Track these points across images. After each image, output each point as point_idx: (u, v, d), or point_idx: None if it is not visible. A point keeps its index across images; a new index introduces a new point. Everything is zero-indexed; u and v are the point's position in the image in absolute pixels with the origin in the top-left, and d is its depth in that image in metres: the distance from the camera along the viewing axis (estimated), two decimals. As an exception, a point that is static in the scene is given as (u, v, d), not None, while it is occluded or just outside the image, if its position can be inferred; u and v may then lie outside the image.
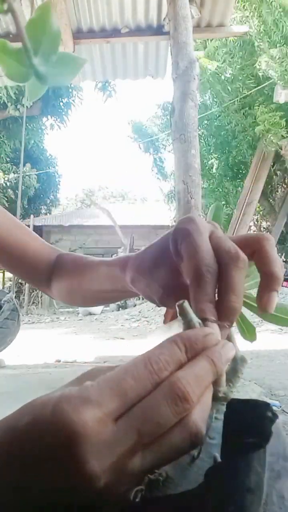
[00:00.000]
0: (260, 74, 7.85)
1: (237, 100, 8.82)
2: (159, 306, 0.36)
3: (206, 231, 0.35)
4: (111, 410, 0.24)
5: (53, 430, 0.23)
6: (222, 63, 8.30)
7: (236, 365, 0.31)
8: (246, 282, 0.41)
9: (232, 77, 8.59)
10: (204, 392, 0.27)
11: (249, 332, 0.45)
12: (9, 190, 15.41)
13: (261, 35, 7.32)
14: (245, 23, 7.24)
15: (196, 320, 0.31)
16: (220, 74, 8.52)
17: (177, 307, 0.32)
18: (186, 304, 0.32)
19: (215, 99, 9.65)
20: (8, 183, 15.36)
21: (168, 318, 0.42)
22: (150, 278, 0.41)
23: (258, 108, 8.29)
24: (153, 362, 0.26)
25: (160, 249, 0.40)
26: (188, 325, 0.31)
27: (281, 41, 7.23)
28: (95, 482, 0.23)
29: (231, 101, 8.95)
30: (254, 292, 0.36)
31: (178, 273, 0.37)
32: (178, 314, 0.32)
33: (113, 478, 0.24)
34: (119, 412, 0.25)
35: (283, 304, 0.41)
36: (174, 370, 0.27)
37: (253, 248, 0.35)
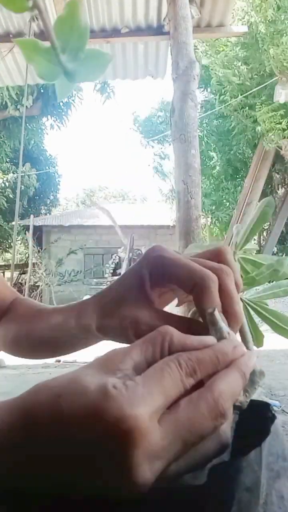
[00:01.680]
0: (267, 70, 7.83)
1: (239, 99, 8.81)
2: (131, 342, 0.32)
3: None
4: (159, 408, 0.24)
5: (107, 423, 0.22)
6: (226, 57, 8.29)
7: (254, 377, 0.31)
8: (257, 293, 0.41)
9: (238, 73, 8.57)
10: None
11: (257, 339, 0.45)
12: (8, 190, 15.39)
13: (265, 28, 7.30)
14: (247, 19, 7.24)
15: (226, 329, 0.32)
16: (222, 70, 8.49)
17: (207, 315, 0.32)
18: (216, 312, 0.32)
19: (220, 93, 9.59)
20: (7, 183, 15.35)
21: (182, 302, 0.40)
22: (120, 316, 0.38)
23: (260, 107, 8.29)
24: (183, 366, 0.26)
25: (127, 285, 0.39)
26: (217, 332, 0.31)
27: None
28: (143, 488, 0.23)
29: (233, 100, 8.95)
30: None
31: (150, 303, 0.37)
32: (207, 322, 0.32)
33: (152, 483, 0.23)
34: (163, 410, 0.24)
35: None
36: (203, 376, 0.27)
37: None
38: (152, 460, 0.23)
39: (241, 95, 8.70)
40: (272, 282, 0.41)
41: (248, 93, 8.52)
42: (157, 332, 0.29)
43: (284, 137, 8.21)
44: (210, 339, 0.30)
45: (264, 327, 0.46)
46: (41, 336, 0.48)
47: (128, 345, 0.29)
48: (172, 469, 0.25)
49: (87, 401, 0.23)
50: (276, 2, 7.20)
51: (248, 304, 0.42)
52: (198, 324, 0.34)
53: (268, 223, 12.24)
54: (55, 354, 0.50)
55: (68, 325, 0.43)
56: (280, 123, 8.01)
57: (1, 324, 0.55)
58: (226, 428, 0.27)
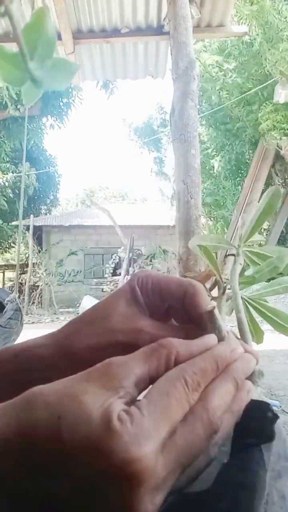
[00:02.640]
0: (266, 71, 7.83)
1: (239, 98, 8.81)
2: None
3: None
4: (163, 440, 0.23)
5: (113, 461, 0.22)
6: (226, 58, 8.28)
7: (253, 377, 0.31)
8: (257, 290, 0.41)
9: (236, 74, 8.57)
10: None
11: (257, 335, 0.45)
12: (8, 190, 15.39)
13: (263, 31, 7.30)
14: (245, 21, 7.23)
15: (225, 327, 0.32)
16: (223, 70, 8.49)
17: (206, 314, 0.33)
18: (216, 311, 0.32)
19: (219, 95, 9.60)
20: (7, 183, 15.35)
21: None
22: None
23: (263, 107, 8.28)
24: (189, 385, 0.26)
25: (117, 301, 0.36)
26: (216, 331, 0.32)
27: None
28: None
29: (234, 99, 8.95)
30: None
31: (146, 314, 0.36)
32: (206, 321, 0.33)
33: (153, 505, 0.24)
34: (167, 440, 0.24)
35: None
36: (204, 386, 0.27)
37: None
38: (155, 493, 0.23)
39: (241, 94, 8.70)
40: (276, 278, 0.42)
41: (248, 92, 8.53)
42: (160, 345, 0.28)
43: (285, 135, 8.20)
44: (212, 339, 0.30)
45: (264, 327, 0.46)
46: None
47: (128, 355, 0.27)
48: (168, 487, 0.25)
49: (90, 432, 0.22)
50: (275, 7, 7.21)
51: (248, 302, 0.42)
52: (195, 330, 0.34)
53: (268, 223, 12.23)
54: None
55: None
56: (282, 121, 8.01)
57: None
58: (218, 447, 0.27)
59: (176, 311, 0.37)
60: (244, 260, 0.43)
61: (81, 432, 0.22)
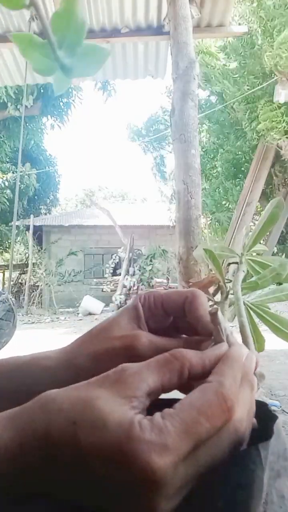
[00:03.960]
0: (266, 70, 7.83)
1: (239, 98, 8.81)
2: None
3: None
4: (186, 454, 0.23)
5: (131, 469, 0.22)
6: (227, 57, 8.29)
7: None
8: (259, 296, 0.41)
9: (236, 73, 8.57)
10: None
11: (258, 342, 0.45)
12: (8, 190, 15.40)
13: (263, 28, 7.30)
14: (245, 19, 7.23)
15: (229, 329, 0.33)
16: (224, 69, 8.49)
17: (210, 316, 0.33)
18: (219, 312, 0.33)
19: (220, 94, 9.60)
20: (7, 183, 15.36)
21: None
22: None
23: (262, 107, 8.28)
24: (227, 400, 0.25)
25: (124, 316, 0.37)
26: (220, 332, 0.32)
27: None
28: None
29: (234, 99, 8.95)
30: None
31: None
32: (210, 322, 0.33)
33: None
34: (191, 452, 0.24)
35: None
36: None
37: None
38: (170, 501, 0.23)
39: (241, 94, 8.70)
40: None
41: (248, 92, 8.52)
42: (173, 356, 0.28)
43: (285, 136, 8.20)
44: (223, 347, 0.31)
45: (264, 327, 0.46)
46: None
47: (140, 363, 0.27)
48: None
49: (107, 438, 0.23)
50: (273, 4, 7.21)
51: (250, 307, 0.42)
52: (200, 342, 0.35)
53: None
54: None
55: None
56: (281, 121, 8.01)
57: None
58: (243, 428, 0.27)
59: (183, 324, 0.37)
60: (247, 268, 0.43)
61: (98, 437, 0.23)
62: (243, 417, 0.26)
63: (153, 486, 0.22)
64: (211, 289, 0.40)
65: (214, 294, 0.39)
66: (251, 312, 0.40)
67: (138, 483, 0.22)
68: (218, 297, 0.39)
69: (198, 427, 0.24)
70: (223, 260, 0.45)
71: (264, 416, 0.30)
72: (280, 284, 0.42)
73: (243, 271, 0.41)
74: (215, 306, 0.33)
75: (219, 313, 0.33)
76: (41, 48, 0.27)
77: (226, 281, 0.40)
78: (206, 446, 0.24)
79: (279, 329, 0.39)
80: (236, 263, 0.42)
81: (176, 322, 0.38)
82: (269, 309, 0.38)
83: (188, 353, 0.28)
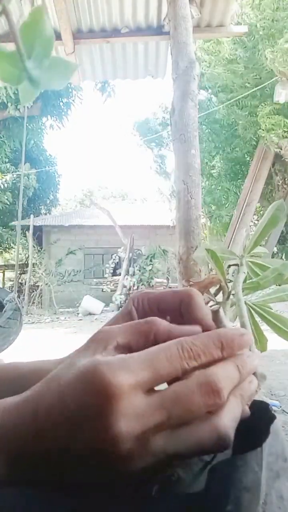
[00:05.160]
0: (265, 71, 7.83)
1: (239, 99, 8.81)
2: None
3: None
4: (144, 381, 0.26)
5: (92, 390, 0.25)
6: (227, 57, 8.29)
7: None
8: (261, 296, 0.41)
9: (237, 73, 8.57)
10: (230, 396, 0.28)
11: (261, 342, 0.45)
12: (7, 191, 15.40)
13: (263, 28, 7.30)
14: (245, 20, 7.23)
15: (231, 327, 0.33)
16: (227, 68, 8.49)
17: (212, 314, 0.33)
18: (221, 310, 0.33)
19: (221, 92, 9.58)
20: (6, 184, 15.35)
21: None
22: None
23: (261, 107, 8.28)
24: (184, 349, 0.27)
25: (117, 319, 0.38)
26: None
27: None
28: (119, 445, 0.25)
29: (233, 99, 8.94)
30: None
31: None
32: (212, 320, 0.33)
33: (135, 449, 0.25)
34: (150, 386, 0.26)
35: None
36: (204, 362, 0.28)
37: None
38: (129, 419, 0.25)
39: (241, 94, 8.70)
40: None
41: (248, 92, 8.53)
42: (145, 321, 0.30)
43: (284, 137, 8.21)
44: (197, 329, 0.31)
45: (264, 327, 0.46)
46: None
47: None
48: (160, 444, 0.26)
49: (79, 371, 0.26)
50: (275, 3, 7.21)
51: (252, 308, 0.42)
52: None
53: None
54: None
55: None
56: (280, 123, 8.01)
57: None
58: (228, 423, 0.27)
59: (181, 324, 0.37)
60: (247, 271, 0.43)
61: (72, 374, 0.27)
62: (217, 373, 0.27)
63: (109, 401, 0.25)
64: (212, 290, 0.40)
65: (215, 295, 0.39)
66: (253, 312, 0.40)
67: (98, 402, 0.25)
68: (218, 298, 0.39)
69: (156, 360, 0.26)
70: (223, 262, 0.45)
71: (263, 416, 0.30)
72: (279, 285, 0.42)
73: (244, 272, 0.41)
74: (216, 305, 0.33)
75: (221, 311, 0.32)
76: (9, 58, 0.27)
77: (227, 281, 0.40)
78: (173, 389, 0.26)
79: (281, 329, 0.39)
80: (236, 265, 0.42)
81: (173, 321, 0.37)
82: (271, 309, 0.38)
83: (159, 320, 0.30)
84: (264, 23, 7.32)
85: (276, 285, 0.42)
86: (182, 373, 0.27)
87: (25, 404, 0.28)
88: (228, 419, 0.27)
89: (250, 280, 0.40)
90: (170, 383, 0.27)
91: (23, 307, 13.28)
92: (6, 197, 15.32)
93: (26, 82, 0.28)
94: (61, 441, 0.26)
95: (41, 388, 0.28)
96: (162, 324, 0.30)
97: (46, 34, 0.27)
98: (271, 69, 7.50)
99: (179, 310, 0.35)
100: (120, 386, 0.25)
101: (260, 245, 0.45)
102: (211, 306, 0.34)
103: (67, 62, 0.29)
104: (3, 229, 16.32)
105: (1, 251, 19.11)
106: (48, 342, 6.22)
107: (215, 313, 0.33)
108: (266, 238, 9.47)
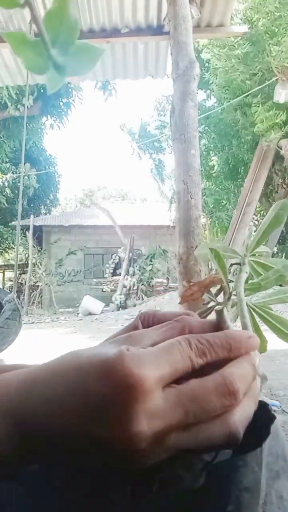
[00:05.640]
0: (264, 71, 7.83)
1: (238, 99, 8.81)
2: None
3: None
4: (165, 375, 0.26)
5: (116, 380, 0.25)
6: (226, 60, 8.28)
7: None
8: (262, 297, 0.41)
9: (236, 74, 8.57)
10: (245, 395, 0.28)
11: (261, 343, 0.45)
12: (7, 190, 15.39)
13: (266, 27, 7.28)
14: (248, 19, 7.23)
15: (232, 327, 0.33)
16: (225, 70, 8.49)
17: (216, 314, 0.33)
18: (225, 310, 0.33)
19: (219, 94, 9.58)
20: (6, 183, 15.35)
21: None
22: None
23: (258, 108, 8.28)
24: (192, 345, 0.28)
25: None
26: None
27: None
28: (138, 442, 0.25)
29: (233, 100, 8.94)
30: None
31: None
32: (216, 321, 0.33)
33: (151, 446, 0.25)
34: (169, 381, 0.26)
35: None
36: (213, 359, 0.28)
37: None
38: (151, 417, 0.25)
39: (240, 94, 8.70)
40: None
41: (248, 93, 8.52)
42: (176, 320, 0.31)
43: (284, 137, 8.20)
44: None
45: (264, 327, 0.46)
46: None
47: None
48: (172, 440, 0.26)
49: (103, 358, 0.26)
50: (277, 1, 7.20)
51: (253, 309, 0.42)
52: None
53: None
54: None
55: None
56: (279, 123, 8.01)
57: None
58: (238, 421, 0.27)
59: None
60: (249, 270, 0.43)
61: (97, 359, 0.27)
62: (233, 372, 0.27)
63: (131, 391, 0.25)
64: (213, 290, 0.40)
65: (216, 295, 0.39)
66: (254, 313, 0.40)
67: (120, 391, 0.25)
68: (219, 298, 0.39)
69: (172, 355, 0.27)
70: (225, 261, 0.45)
71: (264, 416, 0.30)
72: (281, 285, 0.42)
73: (246, 272, 0.41)
74: (219, 305, 0.33)
75: (225, 311, 0.32)
76: (34, 47, 0.27)
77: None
78: (191, 387, 0.26)
79: (281, 330, 0.39)
80: (238, 264, 0.42)
81: None
82: (272, 310, 0.38)
83: (190, 319, 0.31)
84: (267, 19, 7.30)
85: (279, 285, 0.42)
86: (192, 370, 0.27)
87: (42, 378, 0.28)
88: (240, 417, 0.27)
89: (252, 281, 0.40)
90: (178, 382, 0.27)
91: (22, 307, 13.29)
92: (6, 197, 15.32)
93: (52, 70, 0.28)
94: (76, 423, 0.26)
95: (61, 363, 0.28)
96: (195, 322, 0.31)
97: (71, 21, 0.27)
98: (271, 69, 7.50)
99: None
100: (143, 378, 0.25)
101: (263, 246, 0.45)
102: (213, 307, 0.34)
103: (92, 46, 0.29)
104: (4, 229, 16.33)
105: (1, 251, 19.11)
106: (48, 342, 6.22)
107: (219, 314, 0.33)
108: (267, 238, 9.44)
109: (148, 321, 0.37)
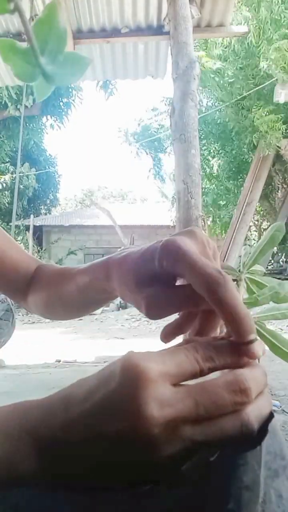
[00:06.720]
0: (262, 73, 7.83)
1: (236, 101, 8.81)
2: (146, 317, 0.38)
3: (196, 250, 0.35)
4: (171, 372, 0.27)
5: (124, 374, 0.27)
6: (223, 62, 8.28)
7: None
8: (257, 313, 0.41)
9: (233, 77, 8.58)
10: (259, 396, 0.29)
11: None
12: (6, 191, 15.38)
13: (261, 31, 7.29)
14: (244, 21, 7.23)
15: None
16: (221, 73, 8.50)
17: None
18: None
19: (216, 98, 9.61)
20: (5, 184, 15.34)
21: (168, 338, 0.38)
22: (135, 290, 0.39)
23: (257, 110, 8.28)
24: (199, 350, 0.29)
25: (142, 263, 0.39)
26: None
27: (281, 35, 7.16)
28: (150, 428, 0.25)
29: (231, 102, 8.94)
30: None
31: (164, 285, 0.38)
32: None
33: (165, 434, 0.26)
34: (176, 380, 0.27)
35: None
36: (221, 365, 0.29)
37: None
38: (161, 405, 0.26)
39: (240, 95, 8.70)
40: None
41: (248, 93, 8.52)
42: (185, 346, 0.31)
43: (283, 137, 8.20)
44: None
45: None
46: (71, 298, 0.51)
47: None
48: (187, 432, 0.26)
49: (114, 365, 0.28)
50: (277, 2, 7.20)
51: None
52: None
53: (268, 223, 12.21)
54: (84, 313, 0.54)
55: (95, 287, 0.46)
56: (278, 125, 8.01)
57: (31, 291, 0.58)
58: (252, 414, 0.27)
59: (165, 277, 0.37)
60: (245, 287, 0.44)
61: (109, 368, 0.29)
62: (245, 372, 0.28)
63: (138, 380, 0.26)
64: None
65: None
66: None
67: (128, 382, 0.26)
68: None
69: (179, 356, 0.28)
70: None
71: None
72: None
73: (244, 287, 0.42)
74: None
75: None
76: (23, 54, 0.27)
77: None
78: (202, 385, 0.27)
79: (276, 346, 0.40)
80: (236, 280, 0.43)
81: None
82: (264, 325, 0.39)
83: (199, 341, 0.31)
84: (264, 20, 7.31)
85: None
86: (201, 373, 0.28)
87: (57, 394, 0.30)
88: (253, 412, 0.28)
89: (248, 296, 0.40)
90: None
91: (17, 307, 13.29)
92: (5, 197, 15.31)
93: (41, 78, 0.28)
94: (92, 429, 0.27)
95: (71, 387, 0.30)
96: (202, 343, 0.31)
97: (60, 30, 0.27)
98: (271, 69, 7.50)
99: (207, 295, 0.33)
100: (149, 370, 0.26)
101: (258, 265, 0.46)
102: None
103: (80, 56, 0.29)
104: (5, 229, 16.31)
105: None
106: (48, 342, 6.22)
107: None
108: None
109: (168, 257, 0.35)
